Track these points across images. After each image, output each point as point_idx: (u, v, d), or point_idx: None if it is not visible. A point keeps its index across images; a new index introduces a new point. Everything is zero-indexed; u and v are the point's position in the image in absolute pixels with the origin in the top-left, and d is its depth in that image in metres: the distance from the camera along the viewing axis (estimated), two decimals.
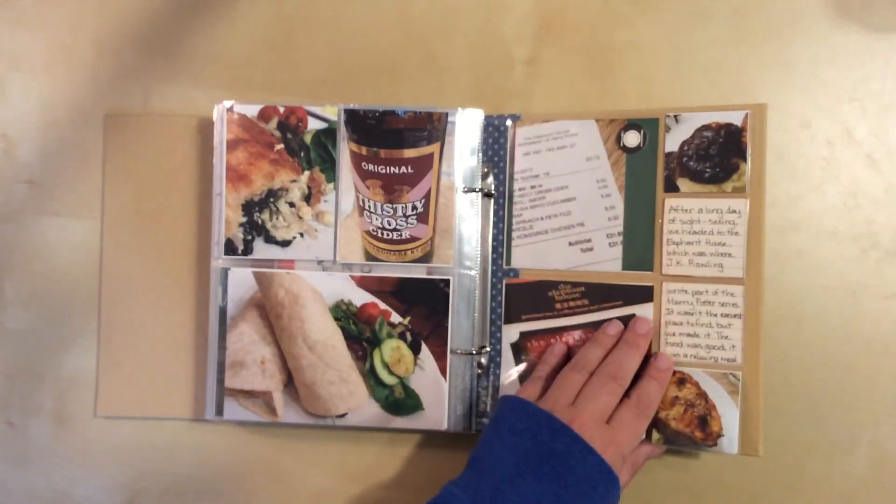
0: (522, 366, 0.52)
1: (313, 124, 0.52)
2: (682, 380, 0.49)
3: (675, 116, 0.50)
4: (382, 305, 0.52)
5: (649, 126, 0.50)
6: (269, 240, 0.52)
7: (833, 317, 0.52)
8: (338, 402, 0.52)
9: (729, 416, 0.48)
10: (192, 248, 0.55)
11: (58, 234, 0.56)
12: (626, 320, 0.50)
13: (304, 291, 0.52)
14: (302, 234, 0.53)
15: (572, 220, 0.52)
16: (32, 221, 0.56)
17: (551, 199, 0.52)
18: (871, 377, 0.52)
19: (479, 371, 0.53)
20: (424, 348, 0.52)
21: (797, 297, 0.52)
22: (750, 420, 0.48)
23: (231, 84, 0.56)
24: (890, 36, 0.53)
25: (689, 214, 0.49)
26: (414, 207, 0.52)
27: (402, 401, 0.52)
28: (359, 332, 0.52)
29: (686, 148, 0.49)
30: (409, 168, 0.52)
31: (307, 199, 0.52)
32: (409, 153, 0.52)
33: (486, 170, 0.53)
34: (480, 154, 0.53)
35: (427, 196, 0.52)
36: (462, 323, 0.52)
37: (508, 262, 0.53)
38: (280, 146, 0.52)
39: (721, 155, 0.49)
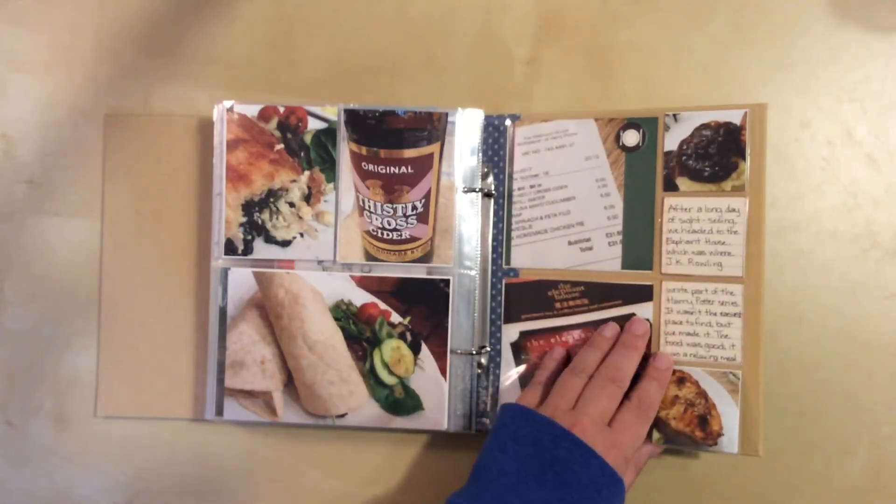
0: (522, 366, 0.52)
1: (313, 124, 0.52)
2: (681, 379, 0.49)
3: (674, 115, 0.50)
4: (382, 305, 0.52)
5: (648, 125, 0.50)
6: (269, 240, 0.52)
7: (833, 317, 0.52)
8: (338, 402, 0.52)
9: (729, 415, 0.48)
10: (193, 248, 0.55)
11: (58, 234, 0.56)
12: (626, 319, 0.50)
13: (304, 291, 0.52)
14: (302, 234, 0.53)
15: (572, 220, 0.52)
16: (32, 221, 0.56)
17: (550, 198, 0.52)
18: (871, 377, 0.52)
19: (479, 371, 0.53)
20: (424, 348, 0.52)
21: (797, 296, 0.52)
22: (750, 420, 0.48)
23: (231, 84, 0.56)
24: (890, 36, 0.53)
25: (688, 213, 0.49)
26: (414, 207, 0.52)
27: (402, 401, 0.52)
28: (359, 332, 0.52)
29: (685, 147, 0.49)
30: (409, 168, 0.52)
31: (307, 199, 0.53)
32: (409, 153, 0.52)
33: (486, 170, 0.53)
34: (480, 154, 0.53)
35: (427, 196, 0.52)
36: (462, 323, 0.52)
37: (508, 262, 0.53)
38: (280, 146, 0.52)
39: (720, 154, 0.49)
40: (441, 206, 0.52)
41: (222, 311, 0.53)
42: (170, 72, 0.56)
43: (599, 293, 0.51)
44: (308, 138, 0.52)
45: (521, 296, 0.52)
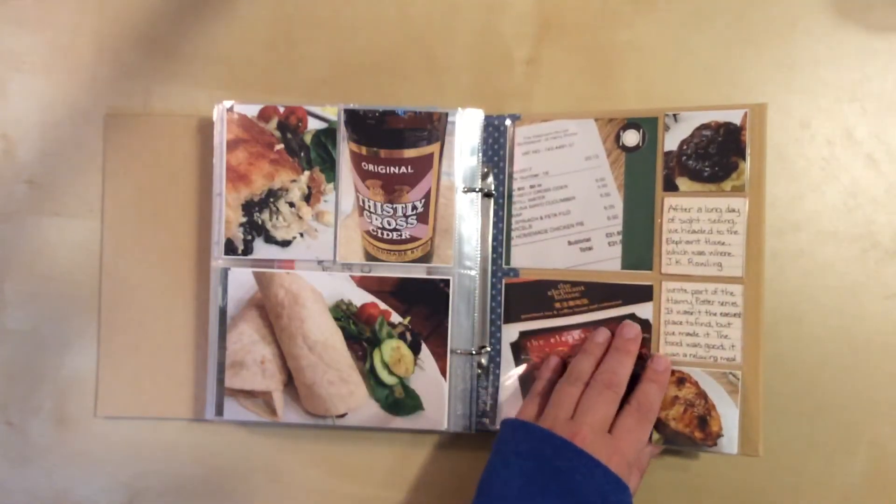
0: (522, 367, 0.52)
1: (313, 124, 0.52)
2: (681, 379, 0.49)
3: (674, 115, 0.50)
4: (382, 305, 0.52)
5: (648, 125, 0.50)
6: (269, 240, 0.52)
7: (833, 317, 0.52)
8: (338, 402, 0.52)
9: (729, 415, 0.48)
10: (193, 248, 0.55)
11: (58, 234, 0.56)
12: (626, 320, 0.50)
13: (304, 291, 0.52)
14: (302, 234, 0.53)
15: (572, 220, 0.52)
16: (32, 221, 0.56)
17: (550, 198, 0.52)
18: (871, 377, 0.52)
19: (479, 371, 0.53)
20: (424, 348, 0.52)
21: (797, 297, 0.52)
22: (750, 420, 0.48)
23: (231, 84, 0.56)
24: (890, 36, 0.53)
25: (688, 213, 0.49)
26: (414, 207, 0.52)
27: (402, 401, 0.52)
28: (359, 332, 0.52)
29: (685, 147, 0.49)
30: (409, 168, 0.52)
31: (307, 199, 0.53)
32: (409, 153, 0.52)
33: (486, 170, 0.53)
34: (480, 154, 0.53)
35: (427, 196, 0.52)
36: (462, 323, 0.52)
37: (508, 262, 0.53)
38: (280, 146, 0.52)
39: (720, 154, 0.49)
40: (441, 206, 0.52)
41: (222, 311, 0.53)
42: (170, 72, 0.56)
43: (599, 293, 0.51)
44: (308, 138, 0.52)
45: (521, 296, 0.52)
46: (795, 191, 0.53)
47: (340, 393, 0.52)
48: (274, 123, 0.52)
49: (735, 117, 0.48)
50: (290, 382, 0.52)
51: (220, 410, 0.53)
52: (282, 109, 0.52)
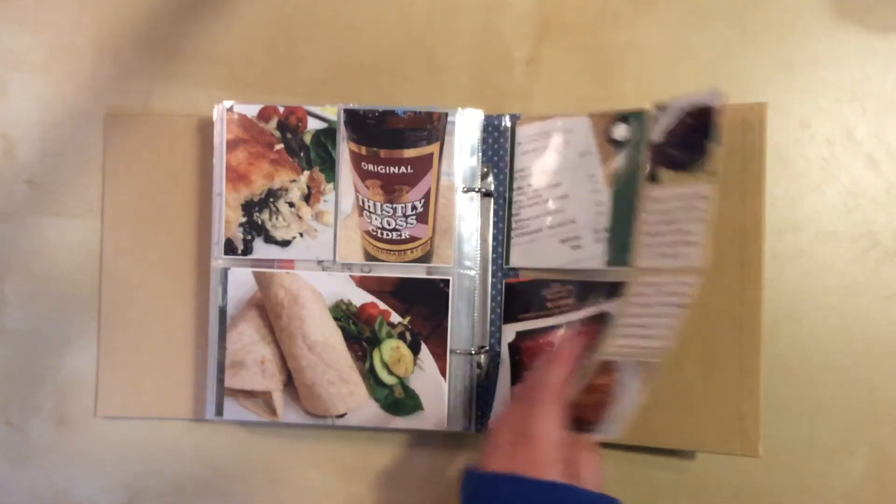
0: (517, 369, 0.52)
1: (313, 124, 0.52)
2: (606, 368, 0.45)
3: (663, 106, 0.47)
4: (382, 305, 0.52)
5: (637, 118, 0.49)
6: (269, 240, 0.52)
7: (833, 317, 0.52)
8: (337, 402, 0.52)
9: (628, 402, 0.45)
10: (192, 248, 0.55)
11: (58, 234, 0.56)
12: (602, 319, 0.48)
13: (303, 291, 0.52)
14: (302, 234, 0.53)
15: (565, 218, 0.51)
16: (32, 221, 0.56)
17: (546, 196, 0.52)
18: (871, 377, 0.52)
19: (479, 371, 0.53)
20: (424, 348, 0.52)
21: (797, 297, 0.52)
22: (750, 420, 0.48)
23: (231, 84, 0.56)
24: (890, 36, 0.53)
25: (664, 205, 0.46)
26: (414, 207, 0.52)
27: (401, 401, 0.52)
28: (358, 332, 0.52)
29: (668, 137, 0.47)
30: (409, 168, 0.52)
31: (307, 199, 0.53)
32: (409, 153, 0.52)
33: (485, 169, 0.53)
34: (480, 154, 0.53)
35: (427, 196, 0.52)
36: (462, 323, 0.52)
37: (508, 262, 0.53)
38: (280, 146, 0.52)
39: (696, 140, 0.45)
40: (441, 206, 0.52)
41: (222, 311, 0.53)
42: (170, 72, 0.56)
43: (584, 291, 0.51)
44: (308, 138, 0.52)
45: (519, 296, 0.52)
46: (795, 191, 0.53)
47: (340, 393, 0.52)
48: (274, 123, 0.52)
49: (711, 100, 0.44)
50: (289, 382, 0.52)
51: (220, 410, 0.53)
52: (282, 109, 0.52)
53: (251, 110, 0.52)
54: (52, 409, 0.56)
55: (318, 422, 0.52)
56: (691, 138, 0.45)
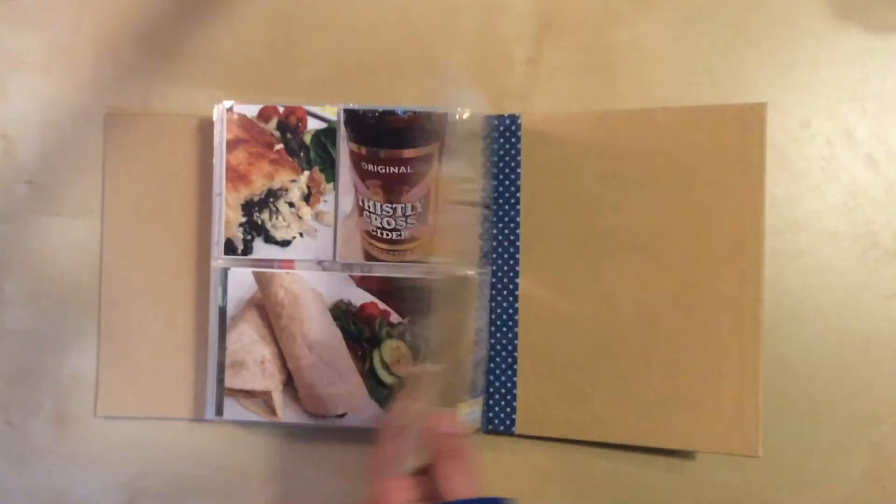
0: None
1: (313, 124, 0.52)
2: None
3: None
4: (382, 305, 0.52)
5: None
6: (269, 240, 0.52)
7: (833, 317, 0.52)
8: (337, 402, 0.52)
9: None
10: (192, 248, 0.55)
11: (58, 233, 0.56)
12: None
13: (303, 291, 0.52)
14: (301, 234, 0.53)
15: None
16: (32, 221, 0.56)
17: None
18: (870, 377, 0.51)
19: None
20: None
21: (797, 297, 0.52)
22: (750, 420, 0.48)
23: (231, 84, 0.56)
24: (890, 36, 0.53)
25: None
26: (413, 207, 0.52)
27: None
28: (358, 332, 0.52)
29: None
30: (409, 168, 0.52)
31: (307, 199, 0.52)
32: (409, 153, 0.52)
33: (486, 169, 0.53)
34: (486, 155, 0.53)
35: (427, 196, 0.52)
36: None
37: (509, 263, 0.53)
38: (280, 146, 0.52)
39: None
40: (441, 206, 0.52)
41: (222, 311, 0.53)
42: (170, 72, 0.56)
43: None
44: (308, 138, 0.52)
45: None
46: (795, 191, 0.53)
47: (340, 393, 0.52)
48: (274, 123, 0.52)
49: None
50: (289, 382, 0.52)
51: (220, 410, 0.52)
52: (281, 109, 0.52)
53: (251, 110, 0.52)
54: (52, 409, 0.56)
55: (318, 422, 0.52)
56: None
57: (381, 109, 0.51)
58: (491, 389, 0.53)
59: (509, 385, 0.52)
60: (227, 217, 0.52)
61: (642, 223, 0.50)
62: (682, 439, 0.50)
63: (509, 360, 0.52)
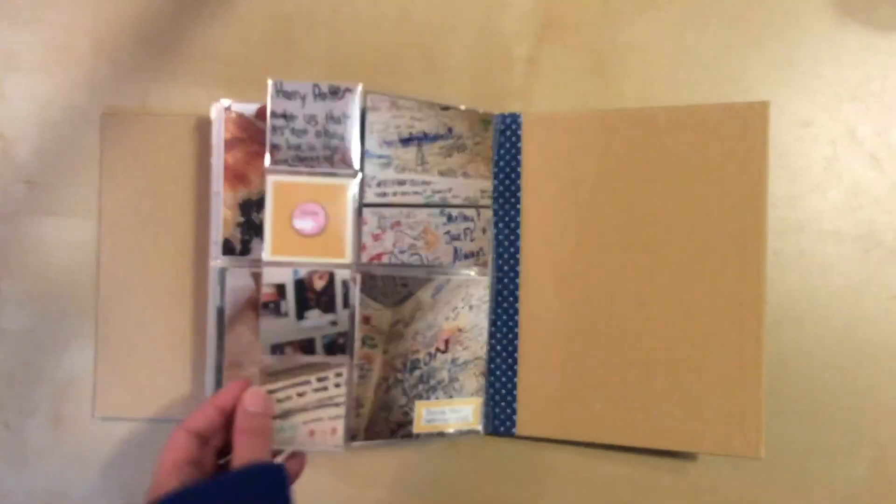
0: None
1: None
2: None
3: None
4: None
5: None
6: None
7: (835, 317, 0.52)
8: None
9: None
10: (190, 248, 0.55)
11: (55, 233, 0.56)
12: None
13: None
14: None
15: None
16: (30, 221, 0.56)
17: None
18: (872, 378, 0.51)
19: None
20: None
21: (799, 297, 0.52)
22: (751, 421, 0.48)
23: (229, 83, 0.56)
24: (892, 35, 0.52)
25: None
26: None
27: None
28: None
29: None
30: None
31: None
32: None
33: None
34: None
35: None
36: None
37: (509, 263, 0.52)
38: None
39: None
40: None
41: (220, 312, 0.52)
42: (167, 71, 0.56)
43: None
44: None
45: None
46: (797, 190, 0.52)
47: None
48: None
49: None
50: None
51: None
52: None
53: (249, 109, 0.52)
54: (50, 410, 0.56)
55: None
56: None
57: None
58: (491, 390, 0.53)
59: (509, 386, 0.52)
60: (224, 217, 0.52)
61: (642, 223, 0.50)
62: (683, 440, 0.49)
63: (509, 360, 0.52)
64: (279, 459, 0.47)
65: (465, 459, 0.54)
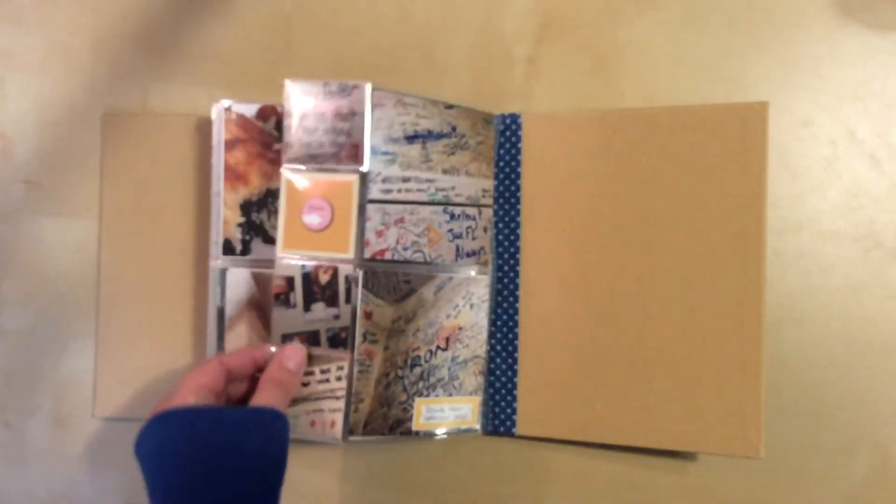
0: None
1: None
2: None
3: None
4: None
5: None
6: (268, 240, 0.52)
7: (835, 317, 0.52)
8: None
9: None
10: (190, 248, 0.55)
11: (55, 233, 0.56)
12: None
13: None
14: None
15: None
16: (30, 221, 0.56)
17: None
18: (873, 378, 0.51)
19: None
20: None
21: (799, 297, 0.52)
22: (751, 421, 0.48)
23: (229, 83, 0.56)
24: (892, 35, 0.52)
25: None
26: None
27: None
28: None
29: None
30: None
31: None
32: None
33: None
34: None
35: None
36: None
37: (510, 263, 0.52)
38: (278, 146, 0.52)
39: None
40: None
41: (220, 312, 0.52)
42: (168, 71, 0.56)
43: None
44: None
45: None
46: (797, 190, 0.52)
47: None
48: (272, 123, 0.52)
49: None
50: None
51: None
52: (280, 109, 0.52)
53: (249, 110, 0.52)
54: (50, 410, 0.56)
55: None
56: None
57: None
58: (491, 390, 0.53)
59: (510, 385, 0.52)
60: (225, 217, 0.52)
61: (642, 223, 0.50)
62: (683, 440, 0.49)
63: (510, 360, 0.52)
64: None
65: (465, 459, 0.54)
